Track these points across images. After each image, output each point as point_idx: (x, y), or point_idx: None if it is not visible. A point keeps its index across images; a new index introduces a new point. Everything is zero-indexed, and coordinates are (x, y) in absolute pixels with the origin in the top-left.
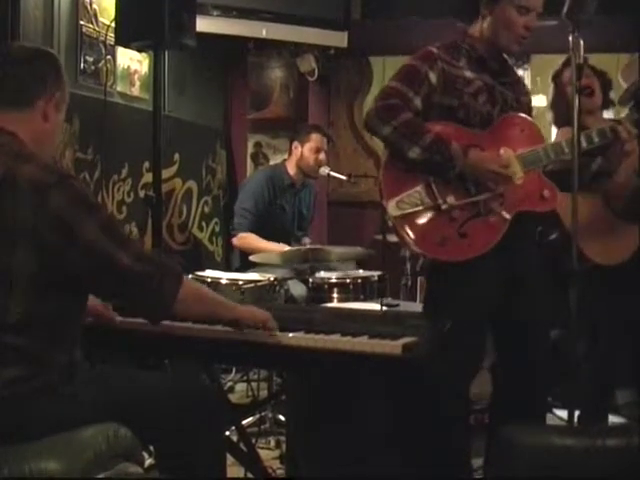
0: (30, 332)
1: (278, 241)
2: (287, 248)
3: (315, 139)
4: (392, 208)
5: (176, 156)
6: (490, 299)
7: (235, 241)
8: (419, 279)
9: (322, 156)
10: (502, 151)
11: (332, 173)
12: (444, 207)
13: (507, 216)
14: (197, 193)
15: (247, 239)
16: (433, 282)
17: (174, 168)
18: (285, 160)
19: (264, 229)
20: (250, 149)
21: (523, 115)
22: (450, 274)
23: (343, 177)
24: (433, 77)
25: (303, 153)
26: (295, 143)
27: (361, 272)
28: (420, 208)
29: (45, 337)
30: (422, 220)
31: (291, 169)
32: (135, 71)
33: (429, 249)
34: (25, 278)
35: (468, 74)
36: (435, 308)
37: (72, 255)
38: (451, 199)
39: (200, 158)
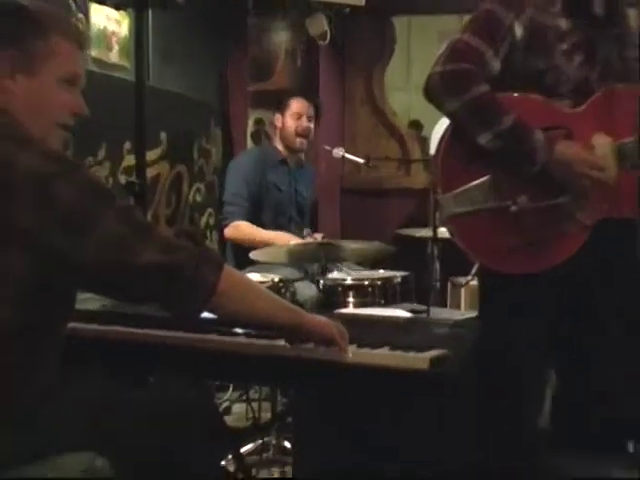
0: (14, 346)
1: (276, 226)
2: (289, 236)
3: (295, 104)
4: (448, 203)
5: (163, 135)
6: (554, 321)
7: (227, 232)
8: (450, 281)
9: (305, 122)
10: (595, 140)
11: (347, 155)
12: (513, 209)
13: (588, 223)
14: (188, 179)
15: (241, 228)
16: (488, 294)
17: (160, 150)
18: (273, 139)
19: (260, 213)
20: (250, 127)
21: (630, 88)
22: (510, 287)
23: (360, 160)
24: (519, 30)
25: (285, 123)
26: (277, 115)
27: (381, 272)
28: (483, 207)
29: (29, 352)
30: (485, 222)
31: (279, 145)
32: (113, 33)
33: (491, 259)
34: (15, 283)
35: (563, 24)
36: (490, 325)
37: (85, 255)
38: (524, 200)
39: (191, 138)
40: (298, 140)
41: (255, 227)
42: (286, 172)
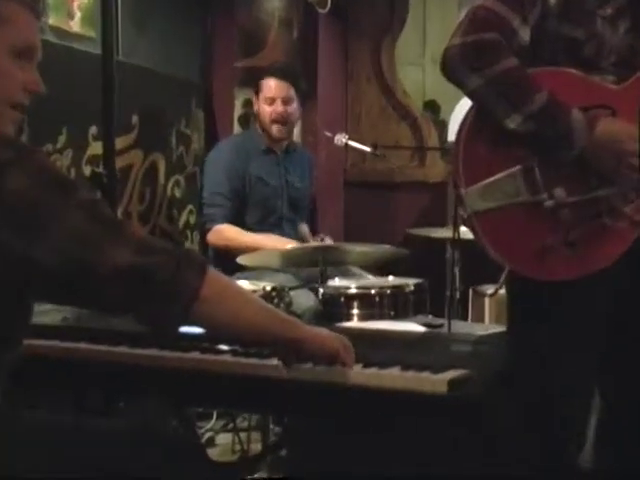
0: None
1: (265, 227)
2: (283, 240)
3: (266, 86)
4: (473, 198)
5: (135, 119)
6: (599, 336)
7: (210, 237)
8: (472, 290)
9: (279, 107)
10: None
11: (351, 143)
12: (549, 203)
13: (637, 218)
14: (164, 170)
15: (225, 232)
16: (519, 305)
17: (132, 135)
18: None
19: (244, 213)
20: (238, 109)
21: None
22: (545, 296)
23: (366, 148)
24: None
25: (259, 108)
26: (254, 98)
27: (391, 280)
28: (514, 201)
29: None
30: (515, 220)
31: (262, 132)
32: None
33: (523, 263)
34: None
35: None
36: (521, 341)
37: (42, 256)
38: (561, 192)
39: (169, 122)
40: (274, 127)
41: (241, 231)
42: (273, 162)
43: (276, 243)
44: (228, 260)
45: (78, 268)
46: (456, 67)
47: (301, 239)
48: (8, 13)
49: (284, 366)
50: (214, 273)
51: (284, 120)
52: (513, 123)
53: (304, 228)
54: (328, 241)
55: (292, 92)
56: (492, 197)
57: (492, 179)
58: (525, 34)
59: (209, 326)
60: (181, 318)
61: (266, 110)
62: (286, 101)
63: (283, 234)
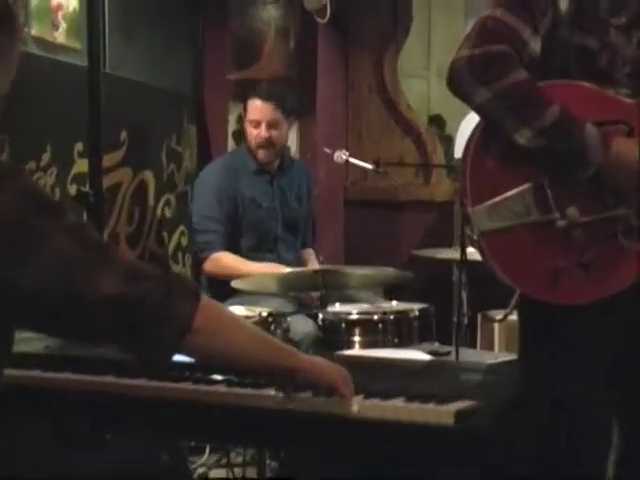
0: None
1: (259, 251)
2: (282, 268)
3: (251, 108)
4: (481, 217)
5: (123, 135)
6: (618, 364)
7: (207, 266)
8: (481, 315)
9: (263, 132)
10: None
11: (351, 160)
12: (561, 223)
13: None
14: (155, 189)
15: (223, 261)
16: (530, 328)
17: (120, 152)
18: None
19: (238, 238)
20: (232, 124)
21: None
22: (557, 319)
23: (367, 165)
24: (564, 2)
25: (246, 129)
26: (243, 114)
27: (395, 304)
28: (524, 221)
29: None
30: (526, 241)
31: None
32: (58, 6)
33: (532, 285)
34: None
35: None
36: (532, 366)
37: (24, 282)
38: (574, 211)
39: (159, 138)
40: (260, 152)
41: (240, 259)
42: (266, 181)
43: (275, 270)
44: (221, 285)
45: (64, 295)
46: (463, 80)
47: (303, 263)
48: (12, 52)
49: (281, 396)
50: (208, 301)
51: (269, 145)
52: (523, 138)
53: (309, 253)
54: (315, 265)
55: (278, 114)
56: (501, 216)
57: (501, 197)
58: (536, 45)
59: (203, 356)
60: (172, 346)
61: (252, 133)
62: (271, 125)
63: (279, 256)
